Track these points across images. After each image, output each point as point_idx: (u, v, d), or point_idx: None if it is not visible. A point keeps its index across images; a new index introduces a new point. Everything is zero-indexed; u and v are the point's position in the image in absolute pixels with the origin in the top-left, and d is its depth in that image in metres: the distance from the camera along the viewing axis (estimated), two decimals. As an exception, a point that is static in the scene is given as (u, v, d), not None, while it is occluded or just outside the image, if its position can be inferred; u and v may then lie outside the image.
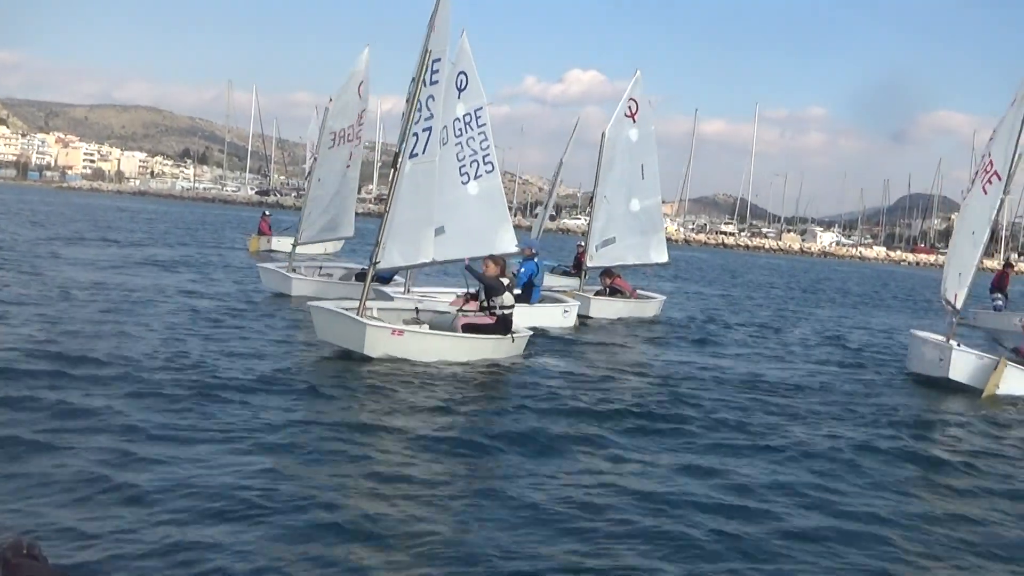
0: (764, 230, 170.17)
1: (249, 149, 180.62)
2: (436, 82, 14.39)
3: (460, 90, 19.34)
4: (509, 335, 15.40)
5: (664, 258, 25.38)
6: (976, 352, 16.43)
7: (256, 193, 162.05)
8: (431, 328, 15.28)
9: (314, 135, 36.49)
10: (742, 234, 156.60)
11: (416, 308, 16.11)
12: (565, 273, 29.68)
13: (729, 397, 13.66)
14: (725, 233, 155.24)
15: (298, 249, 23.94)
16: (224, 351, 13.80)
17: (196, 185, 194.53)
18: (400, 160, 14.38)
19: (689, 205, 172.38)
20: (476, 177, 19.45)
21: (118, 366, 12.00)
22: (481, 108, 19.85)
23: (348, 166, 22.15)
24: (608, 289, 24.02)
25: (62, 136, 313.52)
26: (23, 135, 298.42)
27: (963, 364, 16.03)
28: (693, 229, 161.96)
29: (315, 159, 23.89)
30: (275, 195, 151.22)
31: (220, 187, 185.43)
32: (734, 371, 16.28)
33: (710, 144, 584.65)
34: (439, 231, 15.32)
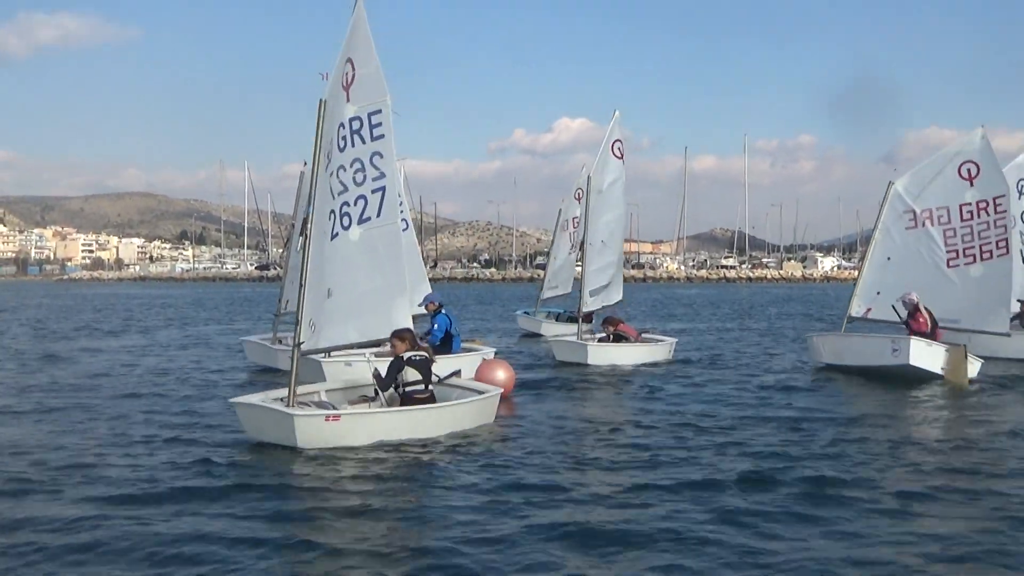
0: (765, 260, 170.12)
1: (245, 226, 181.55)
2: (382, 136, 12.71)
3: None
4: (473, 397, 13.76)
5: (619, 296, 25.38)
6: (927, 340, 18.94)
7: (256, 268, 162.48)
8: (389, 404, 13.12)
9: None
10: (743, 267, 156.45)
11: (375, 388, 13.38)
12: (571, 319, 29.29)
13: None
14: (726, 267, 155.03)
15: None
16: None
17: (196, 266, 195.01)
18: (308, 227, 12.48)
19: (688, 243, 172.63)
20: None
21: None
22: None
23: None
24: (612, 336, 23.26)
25: (59, 229, 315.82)
26: (20, 231, 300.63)
27: (920, 352, 18.62)
28: (694, 266, 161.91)
29: (293, 226, 22.77)
30: (275, 269, 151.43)
31: (220, 266, 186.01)
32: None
33: (702, 180, 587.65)
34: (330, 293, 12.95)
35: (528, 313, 34.63)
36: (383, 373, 13.09)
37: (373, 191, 12.76)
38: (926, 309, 19.44)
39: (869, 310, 20.91)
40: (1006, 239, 19.80)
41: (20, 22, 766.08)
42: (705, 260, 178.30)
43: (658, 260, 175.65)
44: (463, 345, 20.02)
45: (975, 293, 19.84)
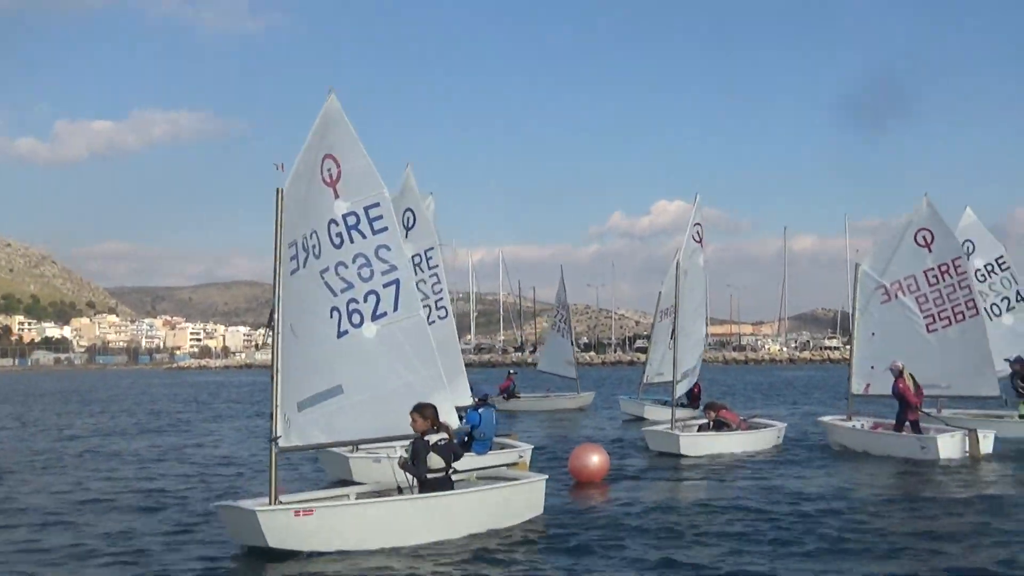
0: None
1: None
2: (385, 228, 12.21)
3: (407, 229, 17.57)
4: (501, 484, 12.81)
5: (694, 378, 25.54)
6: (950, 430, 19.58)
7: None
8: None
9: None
10: (847, 347, 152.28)
11: (399, 485, 12.19)
12: (682, 406, 28.53)
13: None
14: (830, 348, 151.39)
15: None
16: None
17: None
18: (275, 319, 11.79)
19: (789, 323, 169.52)
20: (428, 323, 17.47)
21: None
22: (432, 249, 18.20)
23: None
24: (712, 423, 22.00)
25: (169, 318, 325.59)
26: (132, 321, 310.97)
27: (946, 447, 19.05)
28: (796, 347, 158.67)
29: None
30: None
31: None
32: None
33: (802, 260, 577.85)
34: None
35: (631, 397, 34.28)
36: (410, 461, 11.97)
37: (385, 285, 12.25)
38: (910, 375, 19.91)
39: (868, 385, 21.87)
40: (972, 299, 20.81)
41: (135, 117, 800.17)
42: (807, 341, 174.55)
43: (759, 341, 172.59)
44: (498, 440, 18.25)
45: (957, 356, 20.66)
